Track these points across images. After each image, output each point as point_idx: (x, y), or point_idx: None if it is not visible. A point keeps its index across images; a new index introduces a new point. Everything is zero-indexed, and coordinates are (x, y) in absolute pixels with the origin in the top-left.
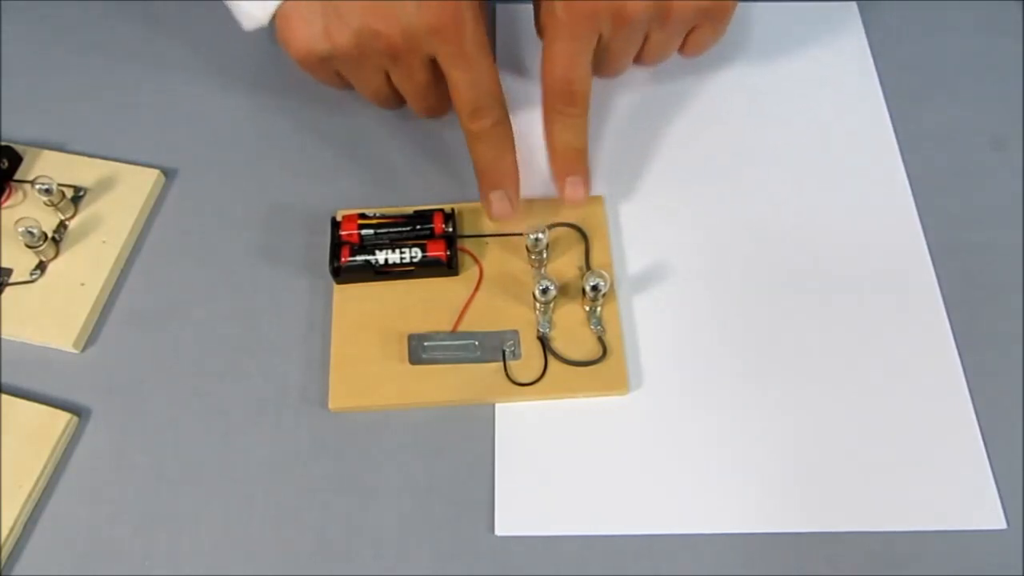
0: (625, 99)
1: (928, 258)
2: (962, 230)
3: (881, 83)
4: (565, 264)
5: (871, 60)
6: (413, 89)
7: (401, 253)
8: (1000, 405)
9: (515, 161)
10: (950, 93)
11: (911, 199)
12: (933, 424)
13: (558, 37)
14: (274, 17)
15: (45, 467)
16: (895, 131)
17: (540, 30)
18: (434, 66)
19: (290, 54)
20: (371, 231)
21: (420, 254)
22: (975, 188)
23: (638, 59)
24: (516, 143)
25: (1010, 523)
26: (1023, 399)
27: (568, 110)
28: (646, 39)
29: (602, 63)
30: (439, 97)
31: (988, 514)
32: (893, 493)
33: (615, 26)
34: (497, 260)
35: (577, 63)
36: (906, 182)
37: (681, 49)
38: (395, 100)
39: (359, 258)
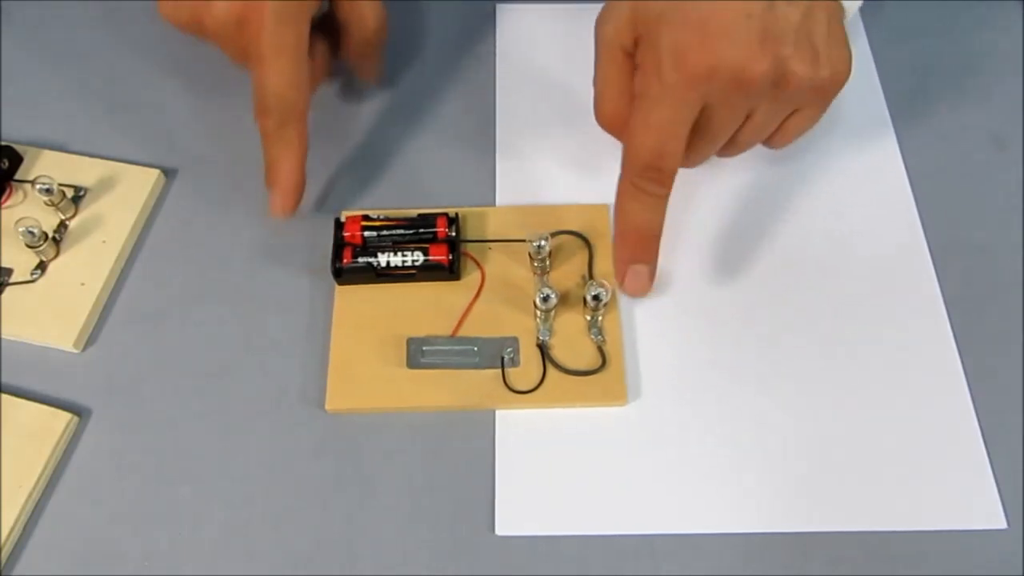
0: None
1: (928, 258)
2: (962, 230)
3: (881, 83)
4: (567, 272)
5: (871, 60)
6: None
7: (403, 256)
8: (1000, 405)
9: (295, 167)
10: (950, 93)
11: (911, 199)
12: (933, 424)
13: (661, 101)
14: None
15: (45, 467)
16: (895, 131)
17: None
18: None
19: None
20: (374, 233)
21: (422, 258)
22: (975, 188)
23: (724, 147)
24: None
25: (1010, 523)
26: (1023, 399)
27: (651, 188)
28: (746, 118)
29: (692, 144)
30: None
31: (988, 514)
32: (893, 493)
33: (730, 91)
34: (499, 266)
35: (675, 134)
36: (906, 182)
37: (768, 139)
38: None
39: (361, 260)
